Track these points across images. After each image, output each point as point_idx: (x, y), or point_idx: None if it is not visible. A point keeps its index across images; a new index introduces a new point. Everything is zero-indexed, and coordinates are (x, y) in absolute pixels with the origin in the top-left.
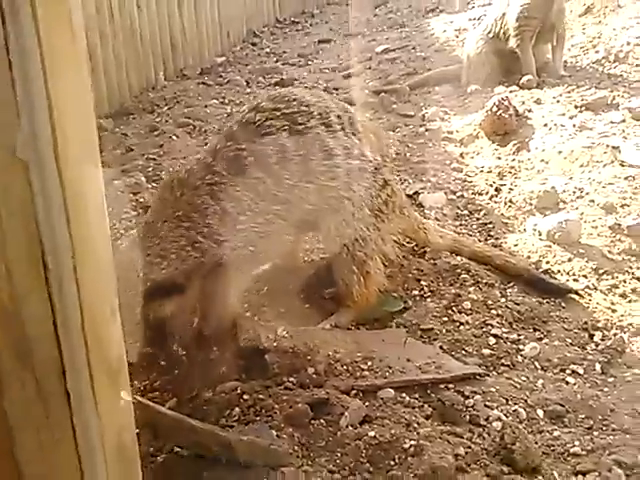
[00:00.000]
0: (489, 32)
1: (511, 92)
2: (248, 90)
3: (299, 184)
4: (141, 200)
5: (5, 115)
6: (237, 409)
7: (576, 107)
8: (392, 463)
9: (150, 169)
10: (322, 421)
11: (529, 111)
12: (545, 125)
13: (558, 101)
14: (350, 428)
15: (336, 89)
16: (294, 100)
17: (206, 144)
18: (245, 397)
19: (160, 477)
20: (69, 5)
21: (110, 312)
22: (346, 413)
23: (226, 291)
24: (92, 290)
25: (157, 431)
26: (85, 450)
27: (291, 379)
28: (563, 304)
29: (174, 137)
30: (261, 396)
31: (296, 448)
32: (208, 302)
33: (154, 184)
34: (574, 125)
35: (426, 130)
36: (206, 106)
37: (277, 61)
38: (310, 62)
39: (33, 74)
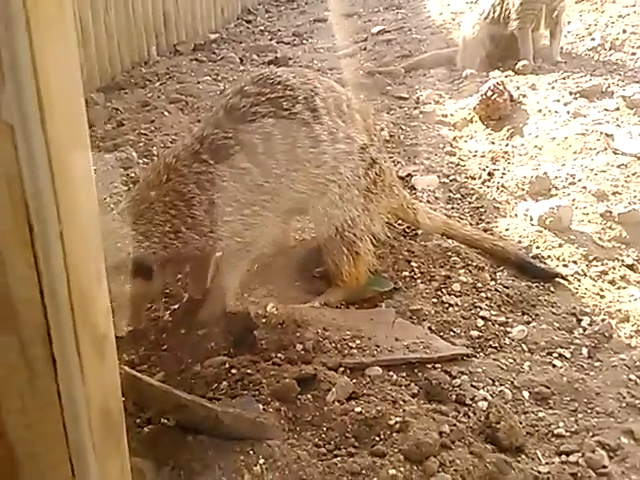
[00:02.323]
0: (486, 16)
1: (506, 77)
2: (242, 68)
3: (286, 172)
4: (132, 175)
5: None
6: (224, 383)
7: (571, 94)
8: (377, 438)
9: (141, 144)
10: (309, 396)
11: (524, 96)
12: (539, 111)
13: (553, 87)
14: (337, 404)
15: (330, 69)
16: (278, 83)
17: (198, 121)
18: (233, 372)
19: (146, 447)
20: None
21: (96, 277)
22: (333, 389)
23: (218, 276)
24: (78, 254)
25: (144, 402)
26: (70, 416)
27: (279, 355)
28: (552, 289)
29: (166, 113)
30: (249, 371)
31: (282, 422)
32: (198, 286)
33: (145, 159)
34: (568, 112)
35: (420, 113)
36: (199, 82)
37: (271, 39)
38: (305, 41)
39: (18, 36)
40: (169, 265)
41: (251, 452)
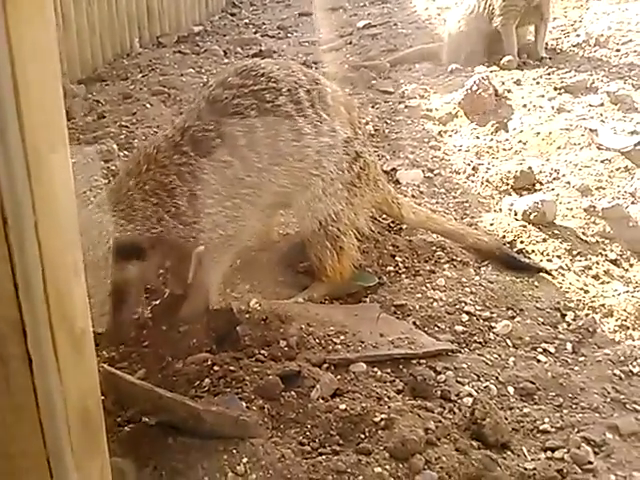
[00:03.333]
0: (471, 11)
1: (491, 72)
2: (226, 60)
3: (268, 166)
4: (112, 168)
5: None
6: (207, 380)
7: (555, 89)
8: (362, 436)
9: (122, 137)
10: (293, 393)
11: (509, 91)
12: (524, 106)
13: (538, 83)
14: (321, 401)
15: (315, 63)
16: (262, 75)
17: (181, 113)
18: (215, 368)
19: (127, 447)
20: None
21: (73, 271)
22: (317, 386)
23: (200, 271)
24: (54, 247)
25: (124, 400)
26: (47, 416)
27: (262, 351)
28: (536, 283)
29: (148, 105)
30: (232, 368)
31: (266, 420)
32: (179, 281)
33: (126, 152)
34: (553, 107)
35: (405, 107)
36: (182, 75)
37: (256, 32)
38: (290, 35)
39: None
40: (152, 253)
41: (234, 451)
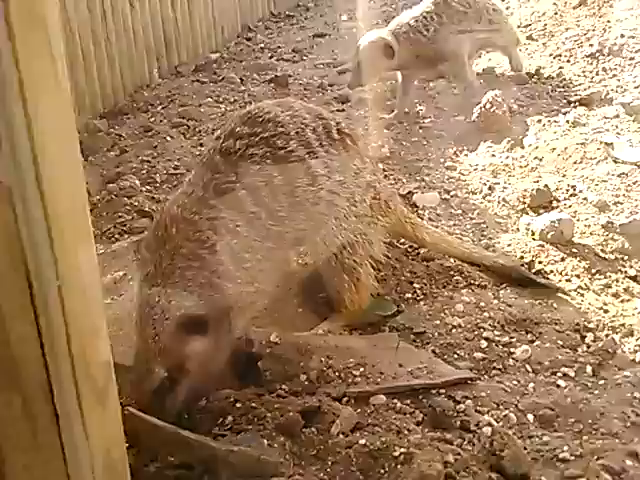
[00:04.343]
0: None
1: (504, 88)
2: (242, 88)
3: (290, 213)
4: (135, 204)
5: None
6: (230, 418)
7: (569, 102)
8: (382, 471)
9: (144, 172)
10: (313, 429)
11: (522, 107)
12: (539, 121)
13: (551, 96)
14: (341, 436)
15: (331, 85)
16: (268, 121)
17: (200, 145)
18: (238, 405)
19: None
20: (48, 33)
21: (97, 330)
22: (337, 421)
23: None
24: (77, 309)
25: (148, 441)
26: (74, 470)
27: (284, 386)
28: (555, 305)
29: (168, 138)
30: (254, 404)
31: (287, 457)
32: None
33: (148, 187)
34: (567, 121)
35: (420, 128)
36: (200, 105)
37: (272, 57)
38: (305, 57)
39: (11, 99)
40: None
41: None
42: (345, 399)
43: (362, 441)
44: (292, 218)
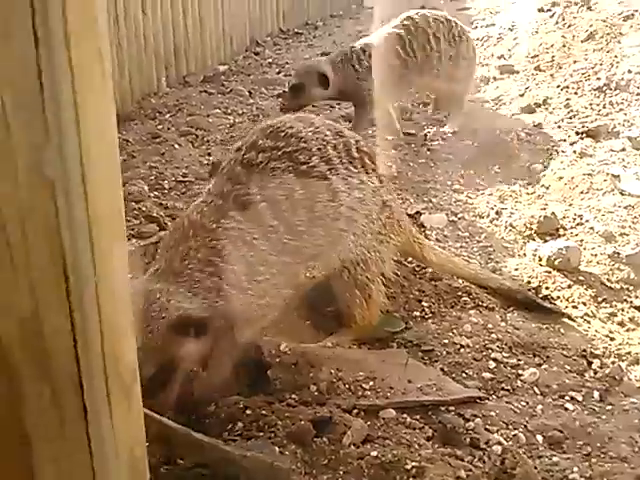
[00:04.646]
0: None
1: (512, 116)
2: (251, 100)
3: (309, 229)
4: (143, 209)
5: (34, 136)
6: (240, 424)
7: (577, 134)
8: None
9: (152, 178)
10: (325, 439)
11: (530, 135)
12: (547, 150)
13: (559, 127)
14: (352, 447)
15: (338, 104)
16: (291, 136)
17: (209, 154)
18: (248, 412)
19: None
20: (98, 31)
21: (127, 328)
22: (348, 432)
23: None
24: (111, 307)
25: (161, 442)
26: (99, 464)
27: (293, 396)
28: (562, 330)
29: (176, 145)
30: (264, 412)
31: (299, 465)
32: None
33: (156, 192)
34: (575, 151)
35: (428, 150)
36: (208, 115)
37: (279, 72)
38: None
39: (62, 90)
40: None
41: None
42: (355, 411)
43: (374, 453)
44: (311, 233)
